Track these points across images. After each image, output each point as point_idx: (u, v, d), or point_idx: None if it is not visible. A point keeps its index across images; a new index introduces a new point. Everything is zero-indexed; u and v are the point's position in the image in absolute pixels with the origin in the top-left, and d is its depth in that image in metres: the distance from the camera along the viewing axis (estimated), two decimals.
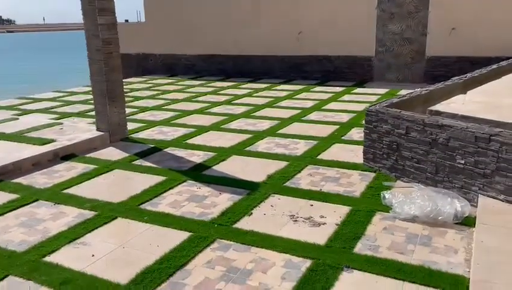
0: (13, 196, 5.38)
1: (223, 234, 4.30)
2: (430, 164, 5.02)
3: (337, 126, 8.42)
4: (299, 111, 9.91)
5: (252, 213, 4.76)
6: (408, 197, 4.56)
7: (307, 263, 3.73)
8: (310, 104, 10.74)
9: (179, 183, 5.71)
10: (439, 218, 4.23)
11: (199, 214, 4.77)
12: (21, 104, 11.52)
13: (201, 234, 4.29)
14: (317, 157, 6.60)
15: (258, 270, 3.66)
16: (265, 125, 8.73)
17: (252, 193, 5.31)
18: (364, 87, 13.08)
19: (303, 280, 3.50)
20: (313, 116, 9.43)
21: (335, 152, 6.82)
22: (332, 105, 10.55)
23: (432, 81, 10.42)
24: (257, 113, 9.85)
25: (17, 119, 9.05)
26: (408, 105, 6.08)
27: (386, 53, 13.76)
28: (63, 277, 3.63)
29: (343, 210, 4.75)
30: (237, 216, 4.67)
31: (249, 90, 13.01)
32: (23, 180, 5.93)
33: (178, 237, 4.28)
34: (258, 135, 7.95)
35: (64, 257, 3.94)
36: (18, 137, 7.53)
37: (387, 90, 12.32)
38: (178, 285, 3.49)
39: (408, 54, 13.49)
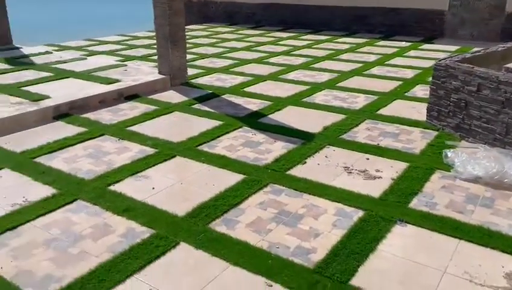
0: (82, 129, 5.74)
1: (276, 179, 4.37)
2: (501, 125, 4.70)
3: (401, 82, 8.04)
4: (360, 65, 9.54)
5: (305, 162, 4.76)
6: (472, 157, 4.34)
7: (359, 213, 3.72)
8: (372, 58, 10.29)
9: (235, 129, 5.80)
10: (505, 181, 4.01)
11: (253, 159, 4.85)
12: (88, 46, 12.01)
13: (255, 178, 4.38)
14: (377, 112, 6.39)
15: (309, 216, 3.71)
16: (324, 77, 8.52)
17: (306, 142, 5.29)
18: (433, 43, 12.25)
19: (354, 228, 3.50)
20: (375, 70, 9.05)
21: (396, 108, 6.56)
22: (396, 60, 10.04)
23: (510, 40, 9.54)
24: (316, 65, 9.61)
25: (86, 59, 9.48)
26: (482, 61, 5.64)
27: (461, 7, 12.68)
28: (125, 204, 3.89)
29: (401, 166, 4.62)
30: (291, 164, 4.70)
31: (308, 42, 12.65)
32: (91, 115, 6.29)
33: (233, 178, 4.41)
34: (316, 87, 7.79)
35: (127, 188, 4.21)
36: (86, 76, 7.92)
37: (458, 47, 11.47)
38: (231, 221, 3.63)
39: (486, 8, 12.35)
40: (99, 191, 4.14)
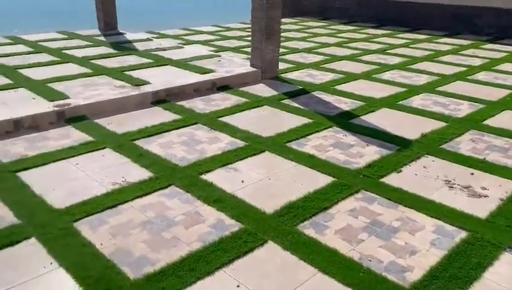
0: (177, 116, 5.97)
1: (368, 185, 4.16)
2: None
3: (511, 91, 7.27)
4: (464, 69, 8.80)
5: (401, 170, 4.48)
6: None
7: (461, 234, 3.40)
8: (478, 62, 9.44)
9: (325, 128, 5.64)
10: None
11: (344, 161, 4.68)
12: (185, 35, 12.51)
13: (345, 182, 4.21)
14: (483, 122, 5.83)
15: (405, 230, 3.47)
16: (422, 80, 7.99)
17: (402, 149, 4.97)
18: None
19: (456, 250, 3.21)
20: (480, 76, 8.29)
21: (505, 120, 5.93)
22: (506, 66, 9.10)
23: None
24: (413, 66, 9.04)
25: (183, 48, 9.87)
26: None
27: None
28: (216, 195, 3.95)
29: (511, 185, 4.15)
30: (385, 171, 4.45)
31: (405, 41, 11.97)
32: (185, 103, 6.52)
33: (322, 179, 4.28)
34: (413, 90, 7.33)
35: (218, 178, 4.28)
36: (183, 64, 8.23)
37: None
38: (320, 226, 3.52)
39: None
40: (192, 179, 4.25)
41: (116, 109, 6.12)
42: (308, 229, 3.48)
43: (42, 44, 9.59)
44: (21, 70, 7.35)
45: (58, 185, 4.07)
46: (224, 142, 5.16)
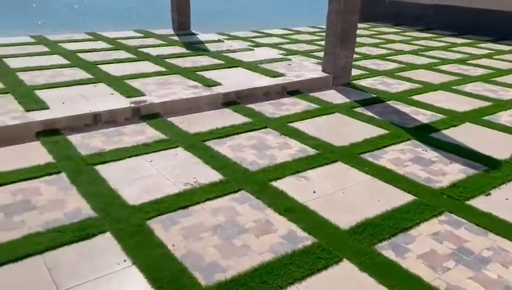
0: (247, 119, 5.91)
1: (453, 207, 3.81)
2: None
3: None
4: None
5: (490, 194, 4.07)
6: None
7: None
8: None
9: (402, 141, 5.31)
10: None
11: (425, 179, 4.34)
12: (254, 37, 12.53)
13: (427, 201, 3.90)
14: None
15: (497, 262, 3.12)
16: (510, 94, 7.33)
17: (490, 170, 4.54)
18: None
19: None
20: None
21: None
22: None
23: None
24: (499, 79, 8.35)
25: (253, 50, 9.87)
26: None
27: None
28: (287, 204, 3.81)
29: None
30: (471, 192, 4.07)
31: (488, 51, 11.13)
32: (254, 106, 6.46)
33: (401, 197, 3.99)
34: (500, 105, 6.74)
35: (288, 186, 4.14)
36: (253, 67, 8.20)
37: None
38: (400, 248, 3.26)
39: None
40: (262, 185, 4.15)
41: (188, 108, 6.19)
42: (387, 250, 3.23)
43: (120, 41, 10.02)
44: (101, 66, 7.69)
45: (132, 181, 4.14)
46: (294, 149, 5.01)
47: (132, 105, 5.79)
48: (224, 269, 2.98)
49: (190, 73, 7.56)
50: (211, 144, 5.09)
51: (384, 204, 3.85)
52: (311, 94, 7.16)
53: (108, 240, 3.25)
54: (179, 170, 4.41)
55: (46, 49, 8.87)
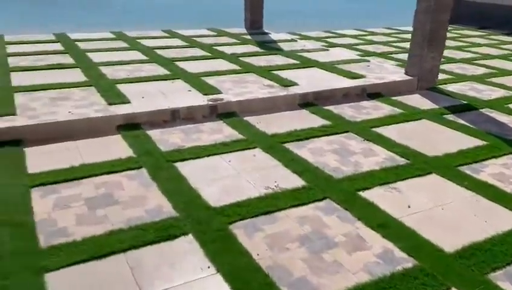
0: (326, 122, 5.60)
1: None
2: None
3: None
4: None
5: None
6: None
7: None
8: None
9: (504, 154, 4.73)
10: None
11: None
12: (327, 37, 12.13)
13: None
14: None
15: None
16: None
17: None
18: None
19: None
20: None
21: None
22: None
23: None
24: None
25: (328, 50, 9.50)
26: None
27: None
28: (379, 218, 3.46)
29: None
30: None
31: None
32: (333, 108, 6.12)
33: (510, 219, 3.49)
34: None
35: (378, 198, 3.77)
36: (330, 67, 7.85)
37: None
38: None
39: None
40: (349, 194, 3.82)
41: (265, 108, 5.99)
42: (503, 281, 2.79)
43: (195, 39, 10.09)
44: (178, 63, 7.72)
45: (212, 181, 3.99)
46: (381, 157, 4.62)
47: (210, 103, 5.69)
48: (315, 287, 2.70)
49: (265, 72, 7.37)
50: (289, 146, 4.84)
51: (492, 226, 3.38)
52: (393, 98, 6.68)
53: (191, 243, 3.10)
54: (259, 172, 4.20)
55: (125, 44, 9.11)
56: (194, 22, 16.00)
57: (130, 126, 5.14)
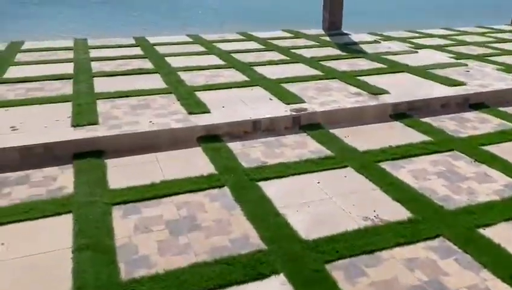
0: (425, 137, 4.93)
1: None
2: None
3: None
4: None
5: None
6: None
7: None
8: None
9: None
10: None
11: None
12: (412, 38, 11.21)
13: None
14: None
15: None
16: None
17: None
18: None
19: None
20: None
21: None
22: None
23: None
24: None
25: (417, 52, 8.68)
26: None
27: None
28: (511, 266, 2.82)
29: None
30: None
31: None
32: (431, 121, 5.42)
33: None
34: None
35: (505, 238, 3.11)
36: (422, 72, 7.08)
37: None
38: None
39: None
40: (467, 231, 3.20)
41: (352, 119, 5.45)
42: None
43: (272, 42, 9.73)
44: (256, 68, 7.39)
45: (300, 206, 3.57)
46: (499, 183, 3.91)
47: (293, 113, 5.27)
48: None
49: (350, 78, 6.80)
50: (385, 166, 4.27)
51: None
52: (501, 109, 5.82)
53: (284, 286, 2.69)
54: (354, 198, 3.70)
55: (202, 48, 8.98)
56: (269, 23, 15.73)
57: (211, 138, 4.87)
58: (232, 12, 21.56)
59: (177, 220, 3.39)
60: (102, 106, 5.47)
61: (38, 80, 6.48)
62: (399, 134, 5.07)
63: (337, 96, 5.91)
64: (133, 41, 9.62)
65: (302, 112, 5.31)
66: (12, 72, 6.97)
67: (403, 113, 5.66)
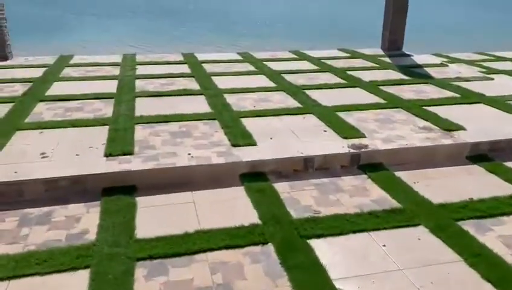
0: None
1: None
2: None
3: None
4: None
5: None
6: None
7: None
8: None
9: None
10: None
11: None
12: (482, 60, 10.14)
13: None
14: None
15: None
16: None
17: None
18: None
19: None
20: None
21: None
22: None
23: None
24: None
25: (492, 80, 7.68)
26: None
27: None
28: None
29: None
30: None
31: None
32: None
33: None
34: None
35: None
36: (503, 104, 6.13)
37: None
38: None
39: None
40: None
41: (421, 160, 4.66)
42: None
43: (326, 62, 9.05)
44: (308, 92, 6.74)
45: (363, 280, 2.86)
46: None
47: (351, 150, 4.57)
48: None
49: (416, 108, 5.98)
50: (468, 227, 3.47)
51: None
52: None
53: None
54: (431, 273, 2.93)
55: (251, 68, 8.47)
56: (323, 41, 15.08)
57: (255, 175, 4.27)
58: (285, 27, 21.09)
59: (211, 288, 2.79)
60: (140, 132, 5.03)
61: (79, 99, 6.20)
62: (480, 182, 4.23)
63: (403, 131, 5.13)
64: (181, 58, 9.29)
65: (363, 150, 4.59)
66: (55, 88, 6.76)
67: (483, 155, 4.79)
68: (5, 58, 8.75)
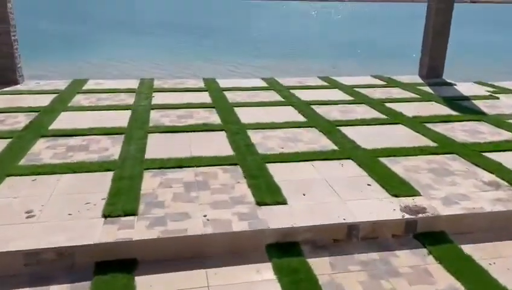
0: None
1: None
2: None
3: None
4: None
5: None
6: None
7: None
8: None
9: None
10: None
11: None
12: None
13: None
14: None
15: None
16: None
17: None
18: None
19: None
20: None
21: None
22: None
23: None
24: None
25: None
26: None
27: None
28: None
29: None
30: None
31: None
32: None
33: None
34: None
35: None
36: None
37: None
38: None
39: None
40: None
41: (493, 228, 3.73)
42: None
43: (359, 90, 8.20)
44: (343, 129, 5.88)
45: None
46: None
47: (406, 215, 3.68)
48: None
49: (475, 155, 5.04)
50: None
51: None
52: None
53: None
54: None
55: (277, 97, 7.68)
56: (354, 65, 14.26)
57: (285, 247, 3.42)
58: (313, 50, 20.34)
59: None
60: (149, 181, 4.25)
61: (85, 134, 5.50)
62: None
63: (465, 187, 4.21)
64: (201, 84, 8.60)
65: (420, 215, 3.69)
66: (61, 120, 6.10)
67: None
68: (16, 83, 8.23)
